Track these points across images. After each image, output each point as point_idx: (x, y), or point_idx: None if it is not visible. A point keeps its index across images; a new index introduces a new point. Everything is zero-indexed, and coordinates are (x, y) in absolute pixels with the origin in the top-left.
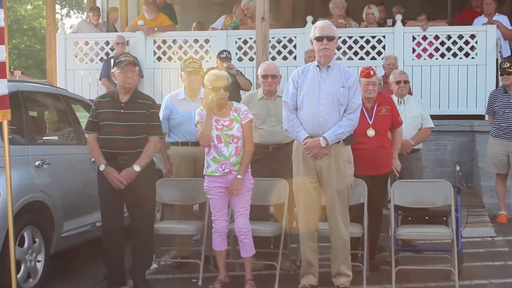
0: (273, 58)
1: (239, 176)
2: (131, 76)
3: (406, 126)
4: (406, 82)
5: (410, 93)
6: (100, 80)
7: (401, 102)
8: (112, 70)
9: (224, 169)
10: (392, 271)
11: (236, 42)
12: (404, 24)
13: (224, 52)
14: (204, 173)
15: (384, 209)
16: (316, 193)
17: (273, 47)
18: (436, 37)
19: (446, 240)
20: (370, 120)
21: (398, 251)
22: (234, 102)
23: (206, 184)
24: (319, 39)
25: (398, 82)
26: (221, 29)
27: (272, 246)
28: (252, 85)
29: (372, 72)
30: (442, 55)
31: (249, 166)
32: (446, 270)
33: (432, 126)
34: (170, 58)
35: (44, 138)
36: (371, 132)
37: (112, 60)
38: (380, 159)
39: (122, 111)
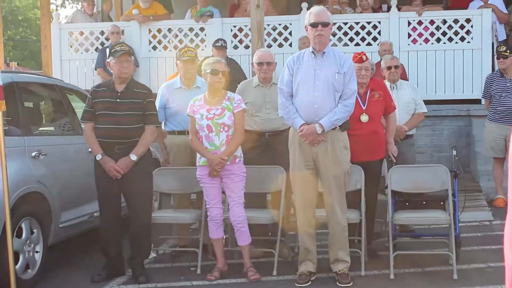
0: (269, 46)
1: (223, 157)
2: (127, 66)
3: (399, 111)
4: (397, 67)
5: (406, 78)
6: (96, 70)
7: (393, 88)
8: (108, 60)
9: None
10: (390, 257)
11: (231, 30)
12: (399, 9)
13: (220, 41)
14: (197, 164)
15: (381, 194)
16: (313, 180)
17: (269, 34)
18: (432, 22)
19: (444, 224)
20: (364, 106)
21: (396, 237)
22: (228, 91)
23: (198, 173)
24: (313, 25)
25: (389, 68)
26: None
27: (270, 234)
28: (244, 75)
29: (364, 57)
30: (438, 40)
31: (242, 155)
32: (444, 255)
33: (425, 111)
34: (165, 47)
35: (40, 129)
36: (364, 118)
37: (107, 50)
38: (374, 145)
39: (118, 100)
